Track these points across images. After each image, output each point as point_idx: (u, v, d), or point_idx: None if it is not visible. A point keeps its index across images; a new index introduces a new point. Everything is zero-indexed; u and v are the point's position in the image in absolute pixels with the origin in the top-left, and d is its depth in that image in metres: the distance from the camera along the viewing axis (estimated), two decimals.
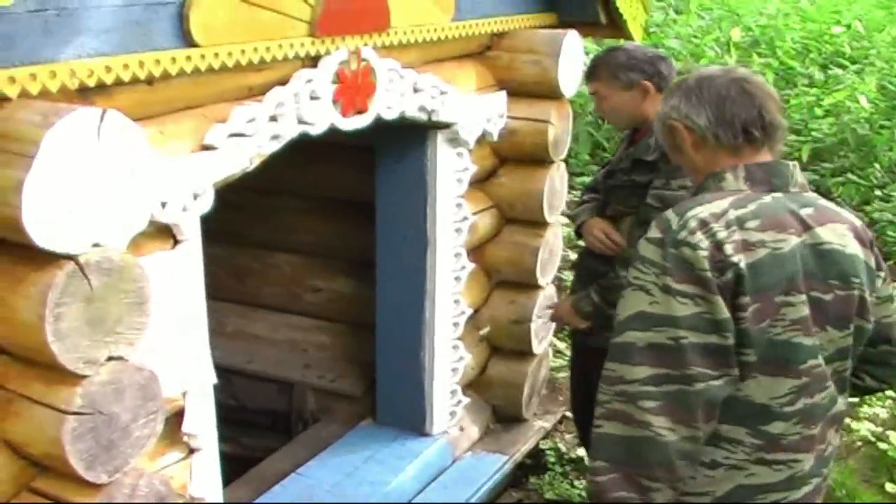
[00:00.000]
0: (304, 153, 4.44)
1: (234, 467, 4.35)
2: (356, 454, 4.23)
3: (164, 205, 2.52)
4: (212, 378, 2.86)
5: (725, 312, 2.12)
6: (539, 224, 4.49)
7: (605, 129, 9.75)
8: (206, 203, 2.67)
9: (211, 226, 4.73)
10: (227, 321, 4.99)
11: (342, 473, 4.09)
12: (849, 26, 11.94)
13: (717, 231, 2.16)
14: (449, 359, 4.26)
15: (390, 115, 3.45)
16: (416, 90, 3.60)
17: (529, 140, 4.34)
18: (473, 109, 4.02)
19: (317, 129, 3.06)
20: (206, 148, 2.68)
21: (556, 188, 4.51)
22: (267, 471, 4.24)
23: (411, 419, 4.32)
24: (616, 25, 4.80)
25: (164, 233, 2.62)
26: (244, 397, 4.87)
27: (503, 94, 4.28)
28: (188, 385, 2.77)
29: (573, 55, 4.29)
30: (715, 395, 2.14)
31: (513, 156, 4.46)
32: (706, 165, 2.38)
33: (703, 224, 2.17)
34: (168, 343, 2.64)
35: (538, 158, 4.41)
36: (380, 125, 3.69)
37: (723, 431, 2.22)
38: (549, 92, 4.30)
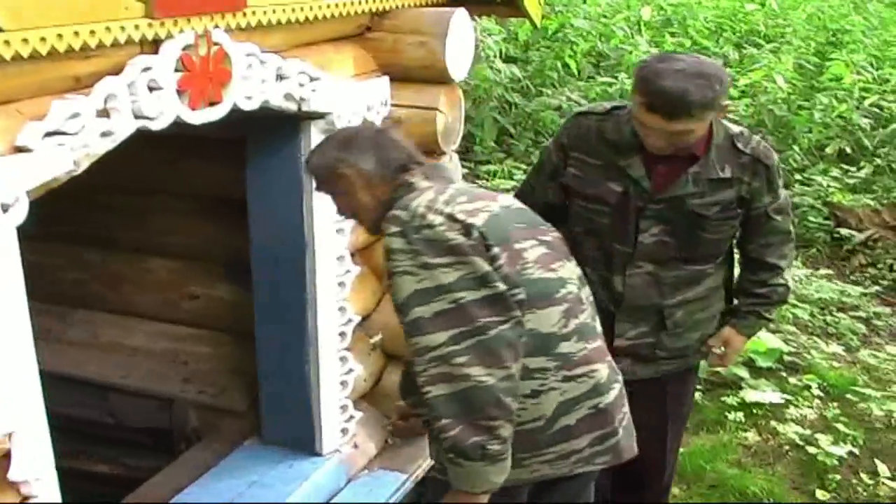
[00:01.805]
0: (175, 149, 4.12)
1: (118, 490, 4.05)
2: (240, 478, 3.88)
3: None
4: (42, 415, 2.49)
5: (485, 266, 2.56)
6: None
7: (513, 115, 9.51)
8: (19, 213, 2.33)
9: (82, 230, 4.48)
10: (101, 332, 4.66)
11: (225, 500, 3.74)
12: (763, 4, 11.83)
13: (442, 208, 2.64)
14: (337, 371, 3.94)
15: (250, 105, 3.11)
16: (280, 77, 3.27)
17: (417, 130, 4.02)
18: (351, 97, 3.70)
19: (159, 124, 2.72)
20: (19, 150, 2.32)
21: None
22: (146, 496, 3.91)
23: (299, 438, 3.99)
24: (511, 3, 4.52)
25: None
26: (122, 415, 4.52)
27: (385, 79, 3.96)
28: (13, 425, 2.40)
29: (463, 36, 3.99)
30: (509, 337, 2.53)
31: None
32: (378, 198, 2.84)
33: (428, 208, 2.64)
34: None
35: (428, 150, 4.07)
36: (248, 116, 3.39)
37: (530, 365, 2.65)
38: (437, 76, 4.00)
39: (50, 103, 2.42)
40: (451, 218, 2.61)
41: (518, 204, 2.95)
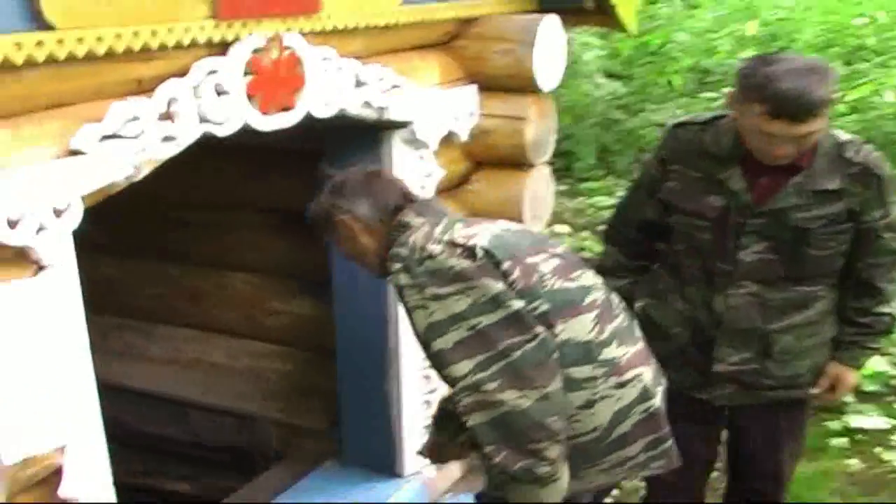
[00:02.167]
0: (253, 163, 4.03)
1: None
2: (319, 499, 3.77)
3: (11, 224, 2.06)
4: (100, 430, 2.38)
5: (496, 286, 2.50)
6: None
7: (615, 132, 9.29)
8: (73, 220, 2.21)
9: (161, 245, 4.41)
10: (183, 348, 4.57)
11: None
12: (872, 18, 11.40)
13: (440, 237, 2.62)
14: (420, 390, 3.79)
15: (326, 112, 2.99)
16: (359, 84, 3.14)
17: (505, 141, 3.88)
18: (435, 106, 3.56)
19: (226, 130, 2.61)
20: (74, 153, 2.22)
21: (540, 195, 4.03)
22: None
23: (380, 458, 3.85)
24: (604, 11, 4.33)
25: (20, 258, 2.16)
26: (201, 432, 4.44)
27: (473, 88, 3.82)
28: (66, 438, 2.30)
29: (551, 44, 3.82)
30: (537, 355, 2.46)
31: (487, 159, 3.99)
32: (378, 241, 2.79)
33: (426, 239, 2.62)
34: (32, 390, 2.19)
35: (516, 161, 3.93)
36: (328, 126, 3.25)
37: (576, 375, 2.57)
38: (525, 86, 3.83)
39: (109, 106, 2.31)
40: (451, 244, 2.58)
41: (519, 226, 2.91)
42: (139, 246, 4.60)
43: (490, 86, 3.85)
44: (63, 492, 2.30)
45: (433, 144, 3.61)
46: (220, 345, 4.52)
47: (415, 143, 3.55)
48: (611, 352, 2.65)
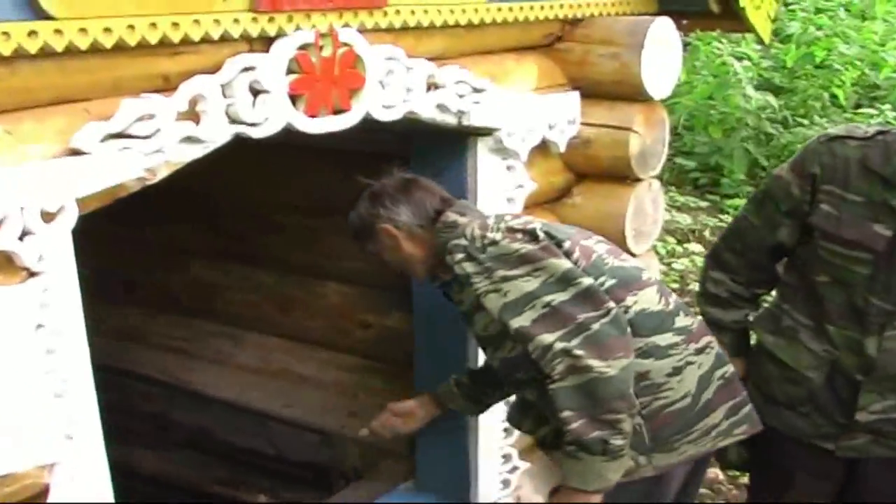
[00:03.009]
0: (351, 166, 3.82)
1: None
2: None
3: None
4: (100, 447, 2.21)
5: (563, 264, 2.54)
6: None
7: (768, 147, 8.80)
8: (67, 223, 2.03)
9: (256, 250, 4.26)
10: (272, 358, 4.43)
11: None
12: None
13: (497, 225, 2.65)
14: (499, 417, 3.52)
15: (389, 115, 2.77)
16: (433, 86, 2.90)
17: (607, 152, 3.60)
18: (526, 113, 3.30)
19: (263, 131, 2.41)
20: (75, 152, 2.04)
21: (646, 212, 3.73)
22: None
23: (453, 485, 3.62)
24: (733, 15, 3.99)
25: (7, 264, 1.99)
26: (283, 446, 4.29)
27: (574, 95, 3.54)
28: (54, 456, 2.13)
29: (663, 48, 3.52)
30: (613, 329, 2.47)
31: (590, 171, 3.71)
32: (423, 247, 2.83)
33: (484, 228, 2.65)
34: (12, 403, 2.01)
35: (620, 174, 3.64)
36: (414, 132, 3.16)
37: (661, 342, 2.63)
38: (632, 93, 3.55)
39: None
40: (510, 230, 2.62)
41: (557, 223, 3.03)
42: (233, 250, 4.48)
43: (595, 93, 3.59)
44: None
45: (523, 154, 3.34)
46: (309, 356, 4.36)
47: (502, 151, 3.30)
48: (681, 320, 2.70)
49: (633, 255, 3.70)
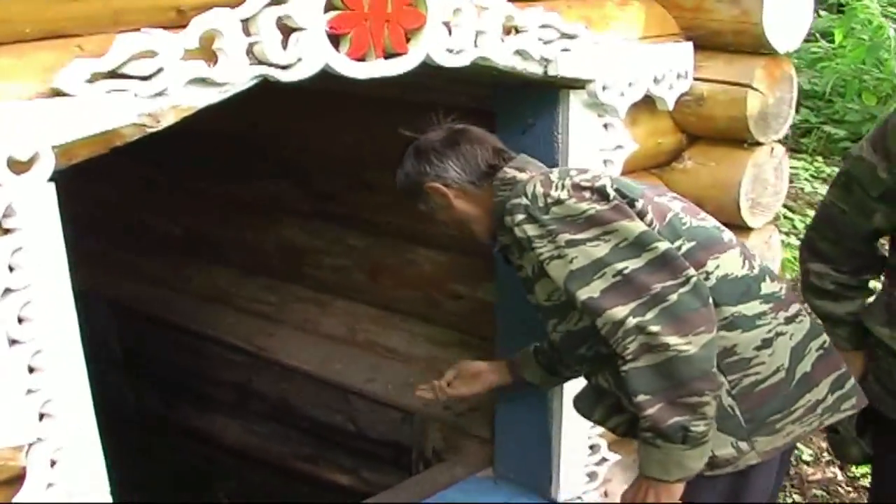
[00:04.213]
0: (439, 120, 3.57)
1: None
2: None
3: None
4: (92, 431, 1.98)
5: (637, 227, 2.28)
6: (736, 229, 3.30)
7: None
8: (41, 174, 1.79)
9: (347, 210, 4.00)
10: (359, 327, 4.22)
11: None
12: None
13: (561, 181, 2.37)
14: None
15: (454, 61, 2.49)
16: (512, 30, 2.60)
17: (722, 111, 3.25)
18: (627, 63, 2.96)
19: (294, 74, 2.15)
20: (57, 93, 1.80)
21: (765, 181, 3.35)
22: None
23: (534, 476, 3.35)
24: None
25: None
26: (364, 423, 4.08)
27: (688, 45, 3.19)
28: (28, 436, 1.90)
29: None
30: (694, 299, 2.22)
31: (703, 133, 3.36)
32: (479, 205, 2.58)
33: (547, 185, 2.37)
34: None
35: (737, 137, 3.28)
36: (498, 83, 2.89)
37: (748, 312, 2.37)
38: (754, 45, 3.19)
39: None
40: (576, 188, 2.35)
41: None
42: (324, 210, 4.27)
43: (711, 44, 3.24)
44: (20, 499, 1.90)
45: (622, 110, 3.02)
46: (397, 327, 4.14)
47: (598, 107, 2.98)
48: (768, 287, 2.45)
49: (748, 228, 3.34)
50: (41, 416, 1.90)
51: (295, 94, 3.72)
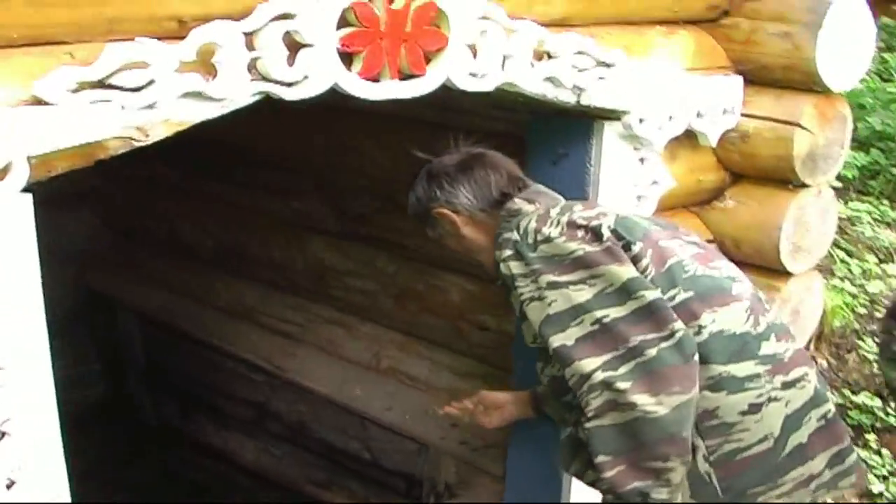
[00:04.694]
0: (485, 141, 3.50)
1: None
2: None
3: None
4: (57, 452, 1.89)
5: (626, 273, 2.15)
6: (775, 273, 3.20)
7: None
8: (13, 185, 1.70)
9: (377, 232, 3.91)
10: (383, 353, 4.10)
11: None
12: None
13: (558, 218, 2.27)
14: None
15: (476, 85, 2.38)
16: (543, 55, 2.49)
17: (769, 150, 3.12)
18: (667, 95, 2.84)
19: (300, 93, 2.05)
20: (38, 102, 1.72)
21: (808, 224, 3.21)
22: None
23: None
24: None
25: None
26: (379, 452, 3.99)
27: (737, 79, 3.07)
28: None
29: (848, 28, 2.99)
30: (674, 356, 2.08)
31: (748, 172, 3.24)
32: (488, 235, 2.47)
33: (542, 221, 2.28)
34: None
35: (782, 178, 3.15)
36: (532, 110, 2.78)
37: (738, 373, 2.21)
38: (805, 81, 3.06)
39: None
40: (571, 226, 2.25)
41: (644, 214, 2.64)
42: (354, 231, 4.17)
43: (760, 78, 3.13)
44: None
45: (659, 144, 2.90)
46: (421, 355, 4.01)
47: (633, 139, 2.86)
48: (771, 346, 2.28)
49: (787, 273, 3.20)
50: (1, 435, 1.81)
51: (331, 112, 3.67)
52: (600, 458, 2.11)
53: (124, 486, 4.70)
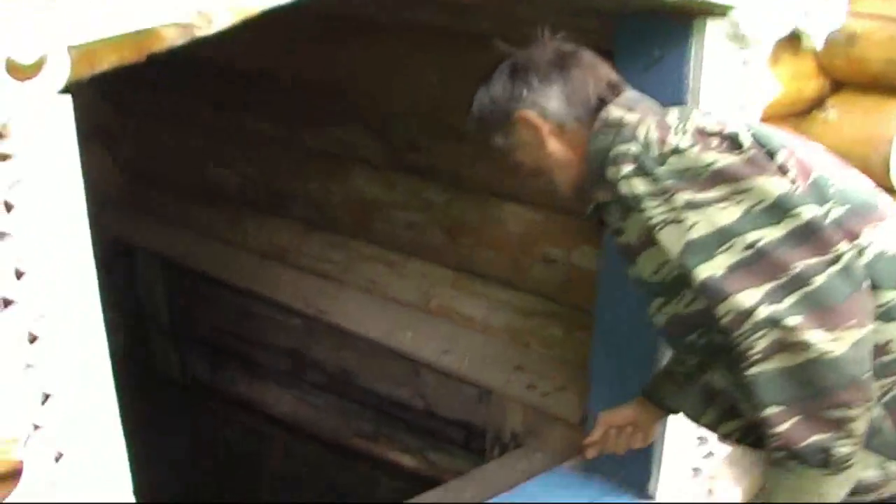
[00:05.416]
0: None
1: (414, 488, 3.48)
2: None
3: None
4: (116, 425, 1.62)
5: (778, 185, 1.86)
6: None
7: None
8: (51, 83, 1.40)
9: (427, 160, 3.61)
10: (433, 292, 3.85)
11: None
12: None
13: (682, 123, 1.98)
14: None
15: None
16: None
17: (879, 54, 2.83)
18: None
19: None
20: None
21: None
22: None
23: (629, 470, 2.98)
24: None
25: None
26: (435, 400, 3.75)
27: None
28: (24, 425, 1.54)
29: None
30: (844, 283, 1.81)
31: (852, 78, 2.95)
32: (574, 149, 2.17)
33: (664, 128, 1.98)
34: None
35: (892, 85, 2.87)
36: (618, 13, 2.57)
37: None
38: None
39: None
40: (701, 133, 1.94)
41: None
42: (400, 159, 3.90)
43: None
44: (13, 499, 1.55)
45: (768, 44, 2.65)
46: (477, 293, 3.75)
47: (738, 39, 2.60)
48: None
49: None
50: (45, 398, 1.54)
51: (372, 30, 3.40)
52: (770, 410, 1.85)
53: (152, 451, 4.48)
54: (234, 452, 4.53)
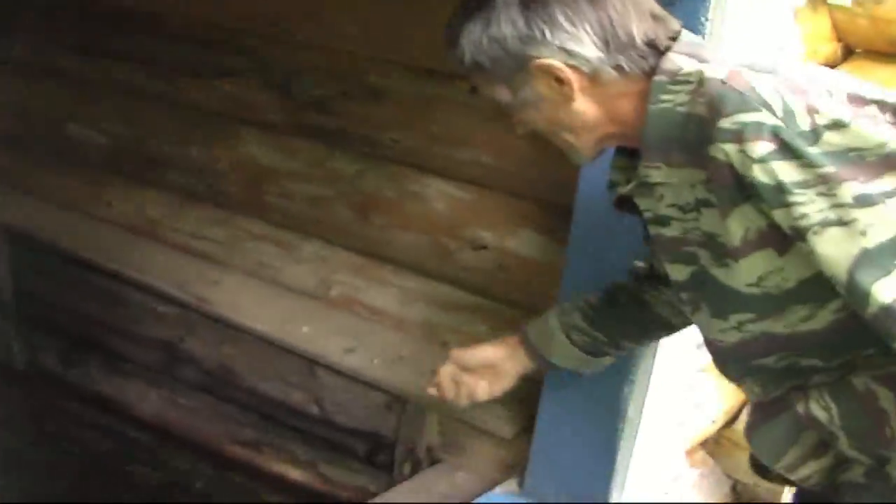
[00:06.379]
0: None
1: None
2: None
3: None
4: None
5: None
6: None
7: None
8: None
9: (339, 123, 3.45)
10: (334, 279, 3.45)
11: None
12: None
13: (822, 88, 1.56)
14: (672, 399, 2.63)
15: None
16: None
17: None
18: None
19: None
20: None
21: None
22: None
23: (586, 491, 2.62)
24: None
25: None
26: (333, 406, 3.33)
27: None
28: None
29: None
30: None
31: (871, 43, 2.72)
32: (603, 108, 1.77)
33: (798, 93, 1.54)
34: None
35: None
36: None
37: None
38: None
39: None
40: (856, 100, 1.55)
41: None
42: (304, 122, 3.48)
43: None
44: None
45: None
46: (388, 282, 3.38)
47: None
48: None
49: None
50: None
51: None
52: None
53: None
54: (90, 458, 4.11)
